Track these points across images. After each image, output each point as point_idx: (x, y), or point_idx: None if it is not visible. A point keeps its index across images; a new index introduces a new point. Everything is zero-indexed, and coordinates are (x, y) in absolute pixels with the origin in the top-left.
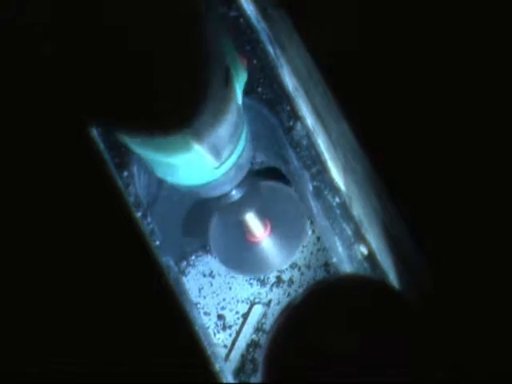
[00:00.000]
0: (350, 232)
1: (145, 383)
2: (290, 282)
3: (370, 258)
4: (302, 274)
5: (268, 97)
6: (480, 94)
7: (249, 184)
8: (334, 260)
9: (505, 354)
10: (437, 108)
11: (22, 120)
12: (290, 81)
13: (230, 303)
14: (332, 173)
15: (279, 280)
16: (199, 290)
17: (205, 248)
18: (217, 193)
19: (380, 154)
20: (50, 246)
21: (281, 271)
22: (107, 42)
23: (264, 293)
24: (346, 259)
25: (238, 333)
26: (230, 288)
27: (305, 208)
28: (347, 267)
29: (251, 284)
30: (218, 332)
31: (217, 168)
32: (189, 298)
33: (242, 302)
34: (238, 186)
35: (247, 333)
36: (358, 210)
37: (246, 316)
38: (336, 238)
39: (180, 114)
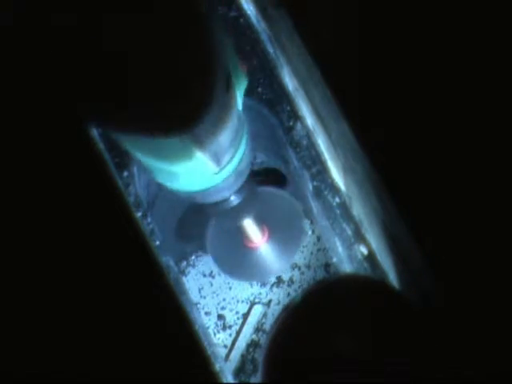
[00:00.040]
0: (350, 232)
1: (145, 383)
2: (290, 281)
3: (370, 257)
4: (302, 273)
5: (268, 97)
6: (480, 94)
7: (247, 190)
8: (334, 260)
9: (505, 353)
10: (437, 108)
11: (21, 120)
12: (289, 81)
13: (230, 303)
14: (332, 173)
15: (279, 280)
16: (199, 290)
17: (205, 248)
18: (216, 198)
19: (380, 154)
20: (49, 246)
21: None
22: (111, 43)
23: (264, 293)
24: (346, 259)
25: (238, 333)
26: (230, 288)
27: (303, 215)
28: (347, 267)
29: (251, 284)
30: (218, 332)
31: (216, 174)
32: (189, 298)
33: (242, 302)
34: (237, 192)
35: (247, 333)
36: (358, 209)
37: (246, 316)
38: (336, 238)
39: (185, 115)
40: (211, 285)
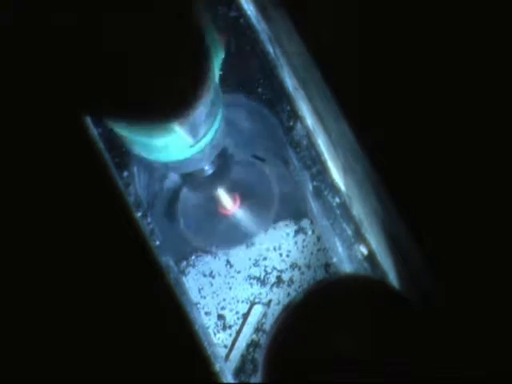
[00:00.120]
0: (350, 232)
1: (145, 383)
2: (290, 281)
3: (370, 257)
4: (302, 273)
5: (268, 97)
6: (480, 94)
7: (222, 160)
8: (334, 260)
9: (505, 353)
10: (437, 108)
11: (21, 120)
12: (289, 81)
13: (230, 303)
14: (332, 173)
15: (279, 280)
16: (199, 290)
17: (205, 248)
18: (191, 169)
19: (380, 154)
20: (49, 246)
21: (281, 271)
22: (111, 42)
23: (264, 293)
24: (345, 259)
25: (238, 333)
26: (230, 288)
27: (276, 185)
28: (347, 267)
29: (251, 284)
30: (218, 332)
31: (192, 146)
32: (189, 298)
33: (242, 301)
34: (212, 163)
35: (247, 333)
36: (358, 209)
37: (246, 316)
38: (336, 238)
39: (178, 103)
40: (211, 285)
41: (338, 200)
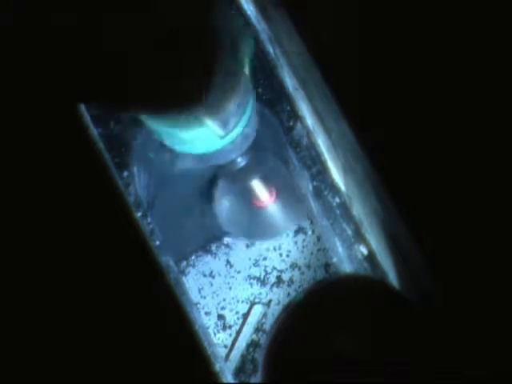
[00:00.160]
0: (350, 232)
1: (145, 383)
2: (290, 281)
3: (370, 257)
4: (302, 273)
5: (268, 97)
6: (480, 94)
7: (254, 152)
8: (334, 260)
9: (505, 353)
10: (437, 108)
11: (21, 120)
12: (289, 81)
13: (230, 303)
14: (332, 173)
15: (279, 280)
16: (199, 290)
17: (205, 248)
18: (223, 160)
19: (380, 154)
20: (49, 246)
21: (281, 271)
22: (111, 42)
23: (264, 293)
24: (345, 259)
25: (238, 333)
26: (230, 288)
27: (307, 177)
28: (347, 267)
29: (251, 284)
30: (218, 332)
31: (222, 138)
32: (189, 298)
33: (242, 301)
34: (244, 154)
35: (247, 333)
36: (358, 209)
37: (246, 316)
38: (336, 238)
39: (190, 94)
40: (211, 285)
41: (337, 200)
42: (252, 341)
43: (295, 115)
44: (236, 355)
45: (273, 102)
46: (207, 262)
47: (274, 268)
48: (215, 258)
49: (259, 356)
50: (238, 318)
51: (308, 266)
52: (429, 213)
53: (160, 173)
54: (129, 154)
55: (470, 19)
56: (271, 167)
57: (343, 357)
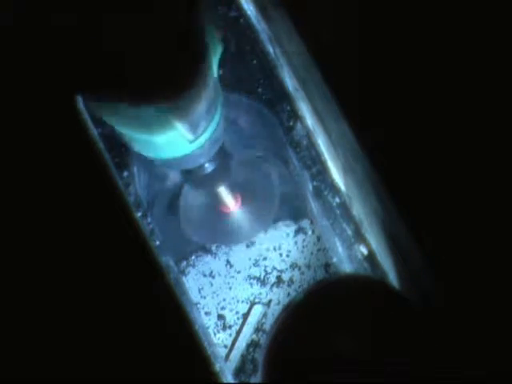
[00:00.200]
0: (350, 232)
1: (145, 383)
2: (290, 281)
3: (370, 257)
4: (302, 273)
5: (268, 97)
6: (480, 94)
7: (222, 157)
8: (334, 260)
9: (505, 353)
10: (437, 108)
11: (21, 120)
12: (289, 81)
13: (230, 303)
14: (332, 173)
15: (279, 280)
16: (199, 290)
17: (205, 248)
18: (190, 165)
19: (380, 154)
20: (49, 246)
21: (281, 271)
22: (111, 42)
23: (264, 293)
24: (346, 259)
25: (238, 333)
26: (230, 288)
27: (281, 182)
28: (347, 267)
29: (251, 284)
30: (218, 332)
31: (191, 142)
32: (189, 298)
33: (242, 301)
34: (212, 159)
35: (247, 333)
36: (358, 209)
37: (246, 316)
38: (336, 238)
39: (172, 88)
40: (211, 285)
41: (338, 200)
42: (252, 341)
43: (295, 115)
44: (236, 355)
45: (273, 101)
46: (207, 262)
47: (274, 268)
48: (215, 258)
49: (259, 356)
50: (238, 318)
51: (308, 266)
52: (429, 213)
53: (160, 173)
54: (129, 154)
55: (470, 19)
56: (238, 172)
57: (343, 357)
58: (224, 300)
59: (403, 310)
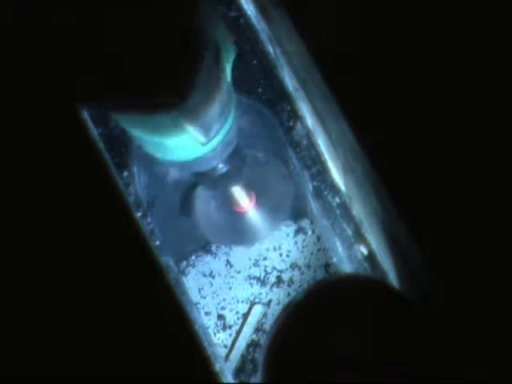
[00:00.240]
0: (350, 232)
1: (145, 383)
2: (290, 281)
3: (370, 257)
4: (302, 273)
5: (268, 97)
6: (480, 94)
7: (235, 158)
8: (334, 260)
9: (505, 353)
10: (437, 108)
11: (21, 120)
12: (289, 81)
13: (230, 303)
14: (332, 173)
15: (279, 280)
16: (199, 290)
17: (205, 248)
18: (204, 168)
19: (380, 154)
20: (49, 246)
21: (281, 271)
22: (111, 42)
23: (264, 293)
24: (346, 259)
25: (238, 333)
26: (230, 288)
27: (290, 180)
28: (347, 267)
29: (251, 284)
30: (218, 332)
31: (204, 145)
32: (189, 298)
33: (242, 301)
34: (225, 161)
35: (247, 333)
36: (358, 209)
37: (246, 316)
38: (336, 238)
39: (172, 91)
40: (211, 285)
41: (338, 200)
42: (252, 341)
43: (295, 115)
44: (236, 355)
45: (273, 101)
46: (207, 262)
47: (274, 268)
48: (215, 258)
49: (259, 356)
50: (238, 318)
51: (308, 266)
52: (429, 213)
53: (160, 173)
54: (129, 154)
55: (470, 19)
56: (252, 173)
57: (343, 357)
58: (224, 300)
59: (403, 310)
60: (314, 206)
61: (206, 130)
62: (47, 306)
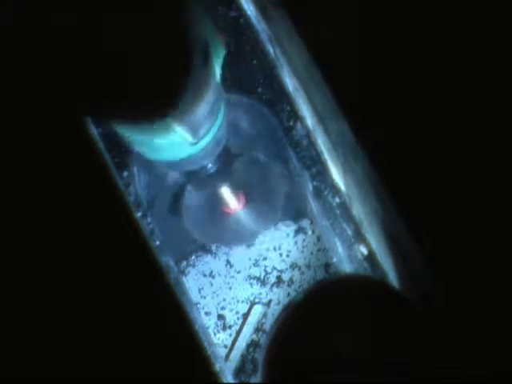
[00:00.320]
0: (350, 232)
1: (145, 383)
2: (290, 281)
3: (370, 257)
4: (302, 273)
5: (268, 97)
6: (480, 94)
7: (224, 158)
8: (334, 260)
9: (505, 353)
10: (437, 108)
11: (21, 120)
12: (289, 81)
13: (230, 303)
14: (332, 173)
15: (279, 280)
16: (199, 290)
17: (205, 248)
18: (193, 167)
19: (380, 154)
20: (49, 245)
21: (281, 271)
22: (111, 43)
23: (264, 293)
24: (345, 259)
25: (238, 333)
26: (230, 288)
27: (281, 179)
28: (347, 267)
29: (251, 284)
30: (218, 332)
31: (193, 144)
32: (189, 298)
33: (242, 301)
34: (214, 160)
35: (247, 333)
36: (358, 209)
37: (246, 316)
38: (336, 238)
39: (163, 101)
40: (211, 285)
41: (338, 200)
42: (252, 341)
43: (295, 115)
44: (236, 355)
45: (273, 101)
46: (207, 262)
47: (274, 268)
48: (215, 258)
49: (259, 356)
50: (238, 318)
51: (308, 266)
52: (429, 213)
53: (160, 173)
54: (129, 154)
55: (470, 19)
56: (242, 173)
57: (343, 357)
58: (224, 300)
59: (403, 310)
60: (313, 206)
61: (195, 130)
62: (47, 306)
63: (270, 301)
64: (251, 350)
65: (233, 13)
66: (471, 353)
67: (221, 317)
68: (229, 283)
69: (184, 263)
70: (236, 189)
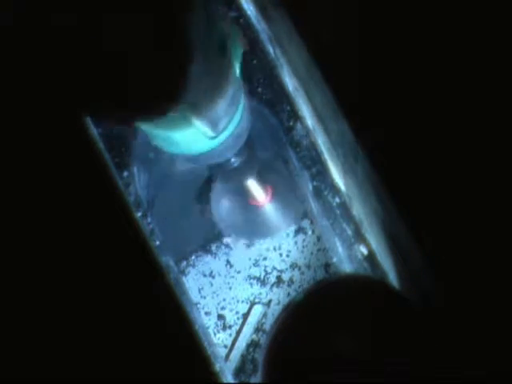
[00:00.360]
0: (350, 232)
1: (145, 383)
2: (290, 281)
3: (370, 257)
4: (302, 273)
5: (268, 97)
6: (480, 94)
7: (247, 151)
8: (334, 260)
9: (505, 353)
10: (437, 108)
11: (21, 120)
12: (289, 81)
13: (230, 303)
14: (332, 173)
15: (279, 280)
16: (199, 290)
17: (205, 248)
18: (215, 160)
19: (380, 154)
20: (49, 245)
21: (281, 271)
22: (111, 43)
23: (264, 293)
24: (345, 259)
25: (238, 333)
26: (230, 288)
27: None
28: (347, 267)
29: (251, 284)
30: (218, 332)
31: (213, 138)
32: (189, 298)
33: (242, 301)
34: (237, 154)
35: (247, 333)
36: (358, 209)
37: (246, 316)
38: (336, 238)
39: (163, 101)
40: (211, 285)
41: (338, 200)
42: (252, 341)
43: (295, 115)
44: (236, 355)
45: (273, 101)
46: (207, 262)
47: (274, 268)
48: (215, 258)
49: (259, 356)
50: (238, 318)
51: (308, 266)
52: (429, 213)
53: (160, 173)
54: (129, 154)
55: (470, 19)
56: (266, 166)
57: (343, 357)
58: (224, 300)
59: (403, 310)
60: (313, 206)
61: (214, 124)
62: (47, 306)
63: (269, 301)
64: (251, 350)
65: (233, 13)
66: (471, 353)
67: (221, 317)
68: (229, 283)
69: (184, 263)
70: (261, 182)
